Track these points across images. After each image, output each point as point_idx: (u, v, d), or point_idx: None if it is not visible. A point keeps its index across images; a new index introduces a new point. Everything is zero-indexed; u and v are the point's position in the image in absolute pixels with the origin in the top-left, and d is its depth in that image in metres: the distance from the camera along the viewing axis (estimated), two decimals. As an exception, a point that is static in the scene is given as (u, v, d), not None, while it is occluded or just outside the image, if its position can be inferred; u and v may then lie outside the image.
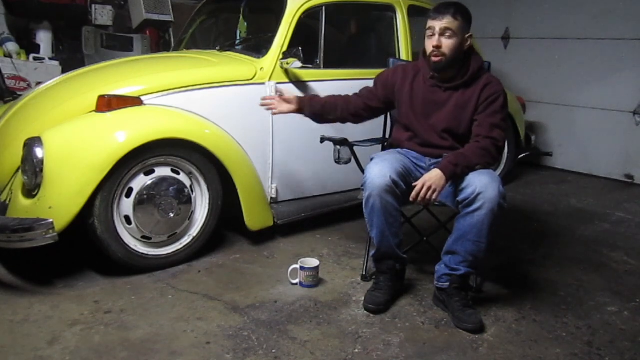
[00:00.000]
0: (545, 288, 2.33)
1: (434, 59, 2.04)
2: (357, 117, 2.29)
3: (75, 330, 1.88)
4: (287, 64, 2.66)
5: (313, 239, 2.81)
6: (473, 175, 1.95)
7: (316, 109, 2.23)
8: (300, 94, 2.69)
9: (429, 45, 2.05)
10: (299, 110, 2.24)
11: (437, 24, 2.01)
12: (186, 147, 2.33)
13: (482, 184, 1.88)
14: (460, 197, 1.94)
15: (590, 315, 2.12)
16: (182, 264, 2.41)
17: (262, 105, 2.29)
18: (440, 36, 2.01)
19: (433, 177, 1.92)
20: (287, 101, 2.23)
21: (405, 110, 2.19)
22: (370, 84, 2.32)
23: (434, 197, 1.91)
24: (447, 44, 2.01)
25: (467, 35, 2.06)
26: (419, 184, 1.93)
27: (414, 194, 1.92)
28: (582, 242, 2.93)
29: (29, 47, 4.34)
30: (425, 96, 2.14)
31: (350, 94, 2.31)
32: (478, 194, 1.88)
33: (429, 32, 2.05)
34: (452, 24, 2.00)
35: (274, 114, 2.32)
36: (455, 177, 1.96)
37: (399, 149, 2.23)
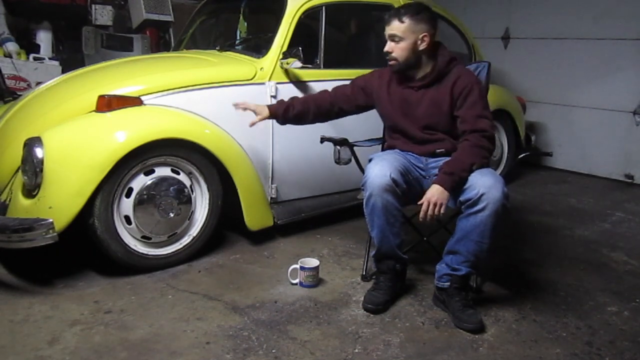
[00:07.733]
0: (545, 288, 2.33)
1: (389, 62, 2.12)
2: (328, 118, 2.36)
3: (75, 330, 1.88)
4: (287, 64, 2.66)
5: (313, 239, 2.81)
6: (476, 176, 1.94)
7: (289, 118, 2.29)
8: (299, 94, 2.70)
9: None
10: (271, 117, 2.30)
11: (387, 31, 2.09)
12: (186, 147, 2.33)
13: (486, 185, 1.88)
14: (463, 198, 1.94)
15: (590, 315, 2.12)
16: (182, 264, 2.42)
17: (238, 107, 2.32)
18: (390, 42, 2.08)
19: (435, 193, 1.92)
20: (259, 112, 2.27)
21: (389, 112, 2.21)
22: None
23: (441, 211, 1.92)
24: (396, 48, 2.07)
25: (422, 35, 2.04)
26: (424, 203, 1.92)
27: (421, 214, 1.92)
28: (582, 242, 2.92)
29: (29, 47, 4.35)
30: (401, 97, 2.16)
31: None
32: (482, 195, 1.87)
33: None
34: (398, 28, 2.04)
35: (251, 124, 2.28)
36: (455, 185, 1.95)
37: (396, 150, 2.23)
